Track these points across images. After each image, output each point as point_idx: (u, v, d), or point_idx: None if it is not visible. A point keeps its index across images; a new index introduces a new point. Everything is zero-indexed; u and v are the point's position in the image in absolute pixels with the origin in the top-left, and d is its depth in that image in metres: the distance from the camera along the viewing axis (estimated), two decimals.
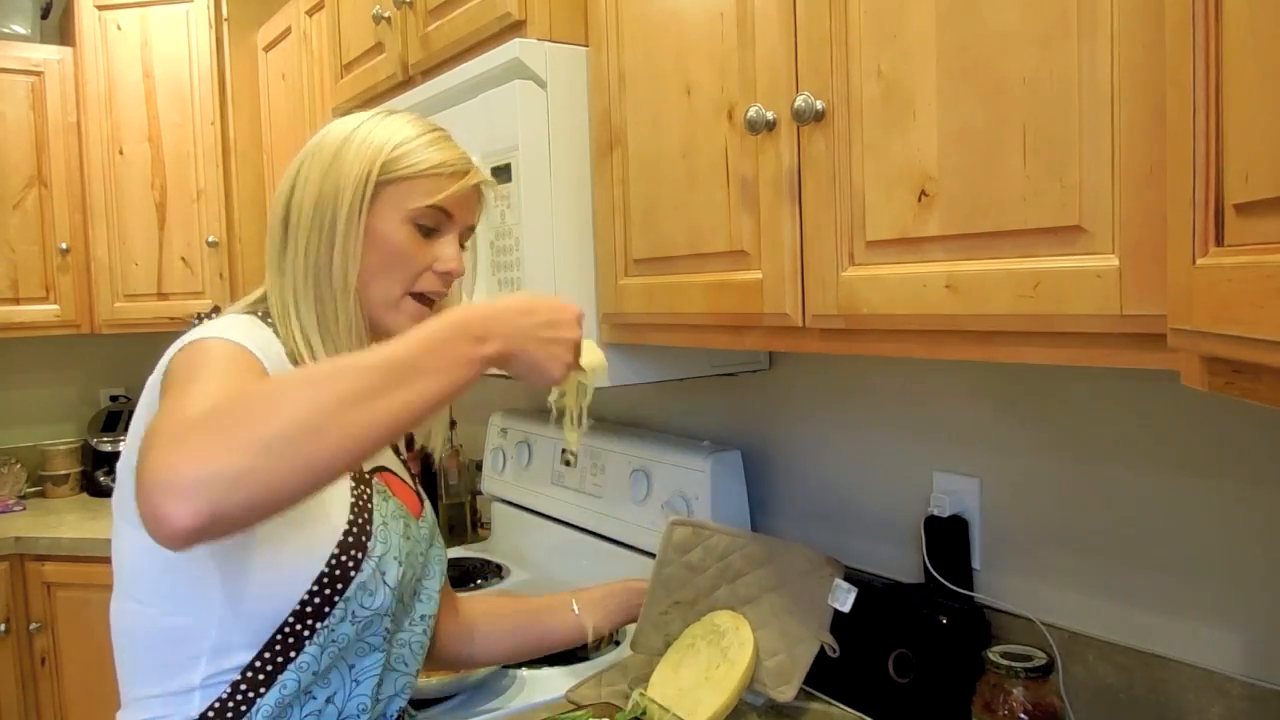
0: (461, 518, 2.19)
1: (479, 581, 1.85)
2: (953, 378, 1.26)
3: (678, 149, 1.18)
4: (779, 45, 1.02)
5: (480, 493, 2.19)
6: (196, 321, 1.03)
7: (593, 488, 1.75)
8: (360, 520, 0.91)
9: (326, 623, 0.88)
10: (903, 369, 1.33)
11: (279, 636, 0.87)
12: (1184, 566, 1.04)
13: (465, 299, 1.05)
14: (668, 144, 1.20)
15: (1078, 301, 0.76)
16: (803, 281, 1.02)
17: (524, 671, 1.40)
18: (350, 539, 0.90)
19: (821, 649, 1.18)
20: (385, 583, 0.92)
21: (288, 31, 2.46)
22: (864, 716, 1.22)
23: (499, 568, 1.93)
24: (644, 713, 1.14)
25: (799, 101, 0.96)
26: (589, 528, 1.77)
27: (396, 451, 1.14)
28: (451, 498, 2.16)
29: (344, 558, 0.89)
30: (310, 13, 2.32)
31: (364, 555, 0.90)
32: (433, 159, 0.98)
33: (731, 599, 1.25)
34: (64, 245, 2.80)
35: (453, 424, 2.29)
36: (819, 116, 0.96)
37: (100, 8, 2.75)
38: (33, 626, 2.49)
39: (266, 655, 0.87)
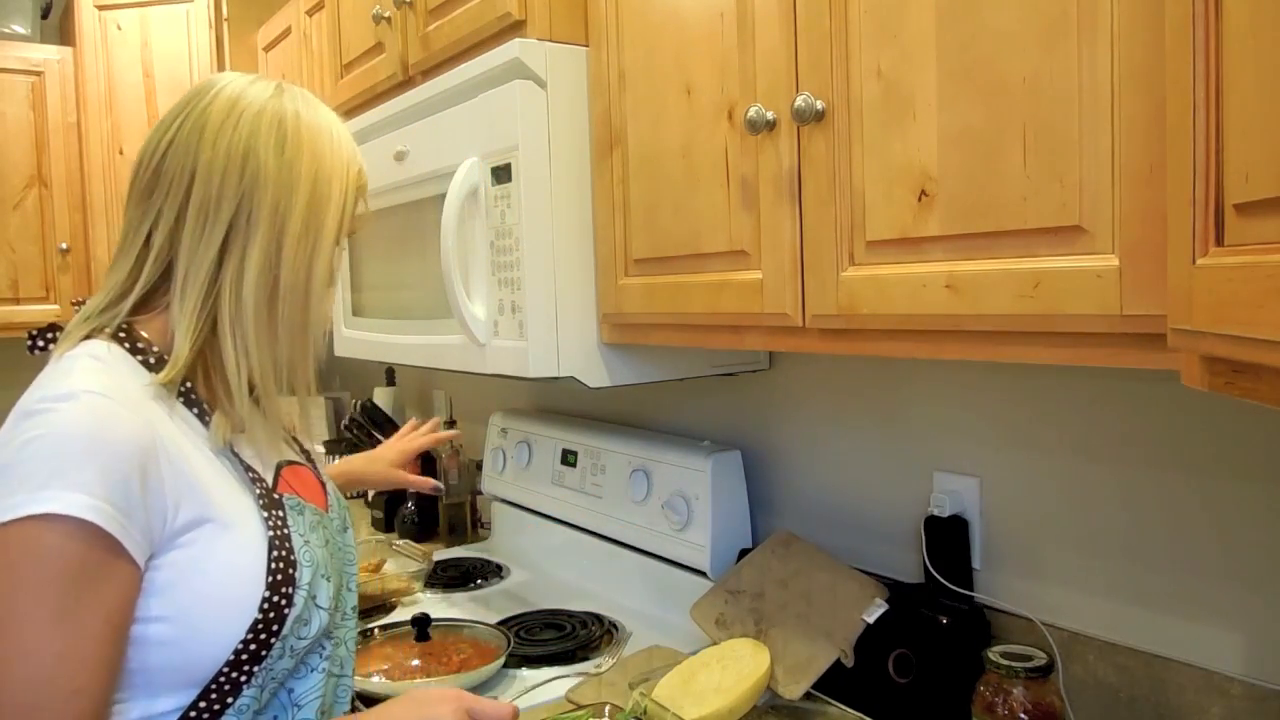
0: (461, 518, 2.18)
1: (479, 581, 1.85)
2: (952, 378, 1.26)
3: (678, 149, 1.18)
4: (779, 45, 1.02)
5: (480, 492, 2.19)
6: (31, 342, 0.90)
7: (593, 488, 1.75)
8: (282, 552, 0.83)
9: (265, 664, 0.82)
10: (903, 369, 1.33)
11: (214, 685, 0.80)
12: (1184, 566, 1.04)
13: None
14: (668, 144, 1.20)
15: (1078, 301, 0.76)
16: (802, 281, 1.02)
17: (524, 671, 1.40)
18: (280, 577, 0.82)
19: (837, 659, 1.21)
20: (318, 606, 0.86)
21: (288, 31, 2.46)
22: (864, 716, 1.22)
23: (499, 568, 1.93)
24: (644, 712, 1.14)
25: (799, 101, 0.96)
26: (589, 528, 1.77)
27: (295, 440, 1.02)
28: (451, 498, 2.16)
29: (276, 598, 0.81)
30: (310, 13, 2.31)
31: (294, 588, 0.83)
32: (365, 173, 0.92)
33: (774, 604, 1.30)
34: (64, 245, 2.80)
35: (452, 423, 2.29)
36: (819, 116, 0.96)
37: (100, 8, 2.75)
38: None
39: (202, 704, 0.80)
